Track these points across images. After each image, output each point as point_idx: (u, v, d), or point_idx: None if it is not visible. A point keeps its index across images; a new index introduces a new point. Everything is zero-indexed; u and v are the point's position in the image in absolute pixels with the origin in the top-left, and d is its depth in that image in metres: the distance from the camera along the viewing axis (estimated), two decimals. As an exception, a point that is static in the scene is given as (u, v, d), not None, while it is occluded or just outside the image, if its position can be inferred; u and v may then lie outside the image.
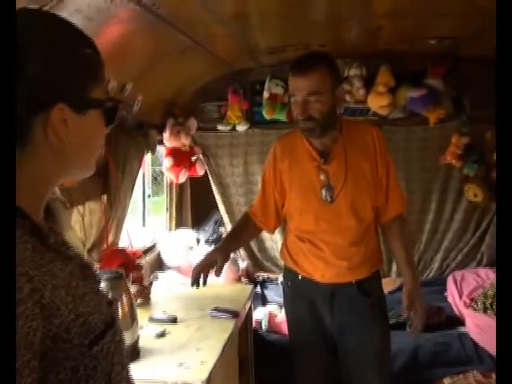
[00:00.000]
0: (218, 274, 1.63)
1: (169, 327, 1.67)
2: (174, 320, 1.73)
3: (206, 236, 3.11)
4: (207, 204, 3.17)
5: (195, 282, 1.61)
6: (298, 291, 1.74)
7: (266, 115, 2.94)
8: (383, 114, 2.89)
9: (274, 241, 3.11)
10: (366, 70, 2.82)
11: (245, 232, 1.85)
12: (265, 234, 3.09)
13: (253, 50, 2.62)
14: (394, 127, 2.91)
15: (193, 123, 2.91)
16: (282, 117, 2.96)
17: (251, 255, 3.14)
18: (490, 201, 2.84)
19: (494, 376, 2.02)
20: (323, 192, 1.63)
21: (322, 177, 1.63)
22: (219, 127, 3.02)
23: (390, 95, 2.80)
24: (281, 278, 2.85)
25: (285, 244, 1.80)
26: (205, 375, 1.33)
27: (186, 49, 2.17)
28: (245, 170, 3.09)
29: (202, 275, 1.62)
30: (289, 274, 1.78)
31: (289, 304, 1.82)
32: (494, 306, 2.27)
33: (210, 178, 3.08)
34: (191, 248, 2.93)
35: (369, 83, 2.83)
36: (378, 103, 2.85)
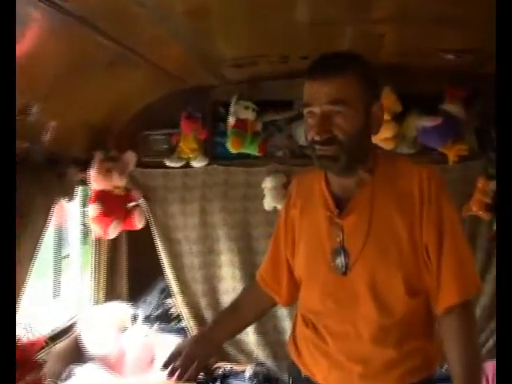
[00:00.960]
0: (193, 377, 1.54)
1: None
2: None
3: (148, 311, 2.79)
4: (150, 267, 2.85)
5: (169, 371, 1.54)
6: None
7: (232, 148, 2.65)
8: (388, 149, 2.61)
9: None
10: (364, 90, 2.58)
11: (250, 307, 1.69)
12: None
13: (213, 62, 2.39)
14: None
15: (130, 158, 2.62)
16: (252, 150, 2.67)
17: None
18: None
19: None
20: (335, 257, 1.43)
21: (336, 235, 1.43)
22: (168, 163, 2.72)
23: (396, 124, 2.58)
24: (250, 371, 2.63)
25: (293, 327, 1.62)
26: None
27: (116, 58, 1.99)
28: (202, 220, 2.77)
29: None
30: (292, 368, 1.60)
31: None
32: None
33: (154, 231, 2.76)
34: (125, 329, 2.64)
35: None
36: (380, 134, 2.54)
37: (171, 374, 1.53)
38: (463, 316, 1.39)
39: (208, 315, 2.80)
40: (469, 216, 2.64)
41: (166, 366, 1.55)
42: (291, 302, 1.64)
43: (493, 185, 2.56)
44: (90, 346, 2.53)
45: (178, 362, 1.54)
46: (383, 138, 2.58)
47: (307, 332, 1.51)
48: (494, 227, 2.58)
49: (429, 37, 2.11)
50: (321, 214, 1.46)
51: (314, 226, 1.50)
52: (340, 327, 1.44)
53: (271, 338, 2.79)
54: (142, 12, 1.59)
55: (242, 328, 1.80)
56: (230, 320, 1.67)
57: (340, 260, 1.42)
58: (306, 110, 1.38)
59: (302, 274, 1.54)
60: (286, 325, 2.73)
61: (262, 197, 2.72)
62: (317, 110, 1.33)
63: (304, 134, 2.66)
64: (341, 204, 1.44)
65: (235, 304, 1.72)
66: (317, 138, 1.34)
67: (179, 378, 1.52)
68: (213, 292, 2.81)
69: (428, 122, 2.58)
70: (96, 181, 2.50)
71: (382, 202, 1.41)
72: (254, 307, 1.69)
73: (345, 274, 1.41)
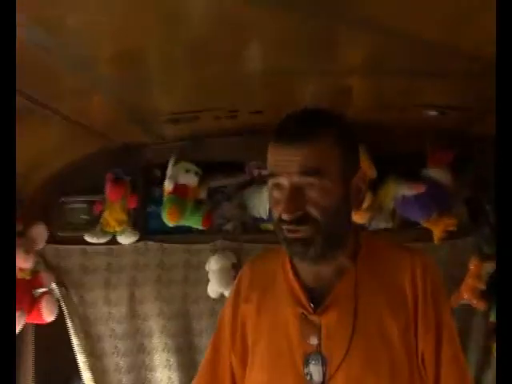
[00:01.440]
0: None
1: None
2: None
3: None
4: (63, 370, 2.57)
5: None
6: None
7: (168, 220, 2.41)
8: (360, 223, 2.48)
9: None
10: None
11: None
12: None
13: (146, 116, 2.22)
14: (377, 244, 2.46)
15: (40, 232, 2.38)
16: (194, 223, 2.45)
17: None
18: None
19: None
20: (309, 367, 1.30)
21: (310, 337, 1.30)
22: (89, 238, 2.48)
23: (371, 193, 2.43)
24: None
25: None
26: None
27: (23, 113, 1.77)
28: (131, 311, 2.52)
29: None
30: None
31: None
32: None
33: (70, 324, 2.49)
34: None
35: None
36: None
37: None
38: None
39: None
40: (459, 305, 2.48)
41: None
42: None
43: (488, 267, 2.42)
44: None
45: None
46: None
47: None
48: (491, 319, 2.44)
49: (407, 89, 2.00)
50: (287, 310, 1.33)
51: (277, 327, 1.36)
52: None
53: None
54: (54, 59, 1.44)
55: None
56: None
57: (316, 369, 1.29)
58: (270, 181, 1.26)
59: (263, 382, 1.37)
60: None
61: (206, 281, 2.49)
62: (285, 181, 1.22)
63: (265, 209, 2.47)
64: (314, 297, 1.30)
65: None
66: (285, 217, 1.22)
67: None
68: None
69: (408, 191, 2.46)
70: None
71: (368, 297, 1.30)
72: None
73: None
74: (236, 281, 1.50)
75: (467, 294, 2.41)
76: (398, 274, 1.32)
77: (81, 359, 2.50)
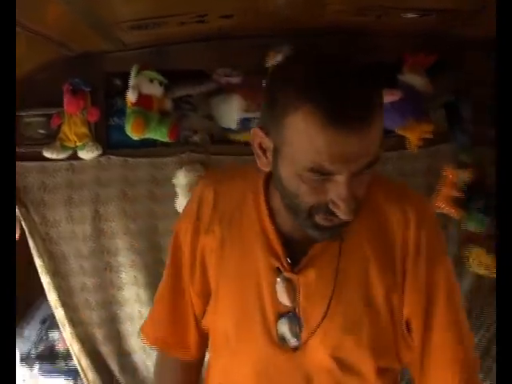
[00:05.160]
0: None
1: None
2: None
3: (26, 348, 2.37)
4: (27, 292, 2.36)
5: None
6: None
7: (132, 132, 2.13)
8: None
9: (147, 352, 2.37)
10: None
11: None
12: (131, 340, 2.40)
13: (106, 22, 1.91)
14: None
15: None
16: (160, 135, 2.16)
17: (108, 379, 2.40)
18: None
19: None
20: (282, 326, 1.12)
21: (285, 295, 1.10)
22: (47, 153, 2.18)
23: None
24: None
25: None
26: None
27: None
28: (96, 228, 2.24)
29: None
30: None
31: None
32: None
33: (31, 244, 2.21)
34: None
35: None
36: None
37: None
38: None
39: (106, 350, 2.32)
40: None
41: None
42: (199, 358, 1.30)
43: (465, 174, 2.24)
44: None
45: None
46: None
47: None
48: (465, 227, 2.29)
49: None
50: (259, 257, 1.10)
51: (245, 274, 1.14)
52: None
53: None
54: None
55: None
56: None
57: (289, 330, 1.12)
58: (315, 176, 0.91)
59: (225, 332, 1.19)
60: None
61: (174, 196, 2.22)
62: (341, 178, 0.91)
63: (234, 119, 2.21)
64: (293, 249, 1.08)
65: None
66: (341, 215, 0.94)
67: None
68: (112, 320, 2.33)
69: (384, 97, 2.11)
70: None
71: (353, 254, 1.10)
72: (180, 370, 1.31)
73: (295, 350, 1.12)
74: (195, 199, 1.20)
75: (442, 203, 2.22)
76: (388, 227, 1.11)
77: (45, 280, 2.24)
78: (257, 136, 0.98)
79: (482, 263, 2.30)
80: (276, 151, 0.93)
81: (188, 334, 1.26)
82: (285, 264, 1.08)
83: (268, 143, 0.94)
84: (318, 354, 1.12)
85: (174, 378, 1.33)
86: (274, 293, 1.10)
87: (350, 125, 0.87)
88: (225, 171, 1.40)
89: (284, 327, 1.11)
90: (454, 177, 2.21)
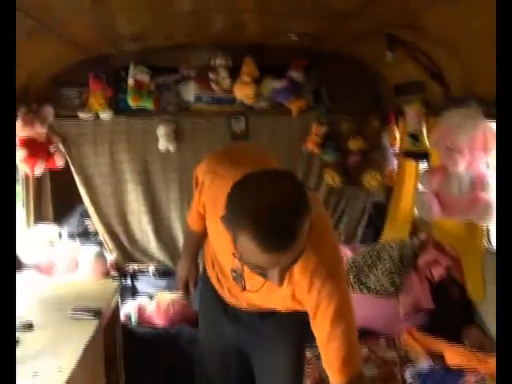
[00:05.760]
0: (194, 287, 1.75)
1: (22, 335, 1.63)
2: (28, 326, 1.70)
3: (71, 230, 3.09)
4: (70, 196, 3.12)
5: (187, 294, 1.76)
6: (208, 286, 1.64)
7: (132, 103, 2.96)
8: (249, 104, 3.09)
9: (144, 231, 3.21)
10: (231, 60, 2.98)
11: (195, 236, 1.68)
12: (135, 225, 3.20)
13: (114, 36, 2.62)
14: (259, 117, 3.15)
15: (49, 110, 2.85)
16: (148, 104, 3.00)
17: (120, 247, 3.18)
18: (345, 184, 3.24)
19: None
20: (234, 274, 1.39)
21: (237, 265, 1.32)
22: (80, 115, 2.97)
23: (255, 85, 3.00)
24: (152, 269, 3.06)
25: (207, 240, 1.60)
26: (62, 381, 1.35)
27: (32, 31, 2.08)
28: (111, 159, 3.09)
29: (189, 285, 1.74)
30: (205, 271, 1.68)
31: (201, 294, 1.76)
32: (357, 282, 2.52)
33: (72, 168, 3.04)
34: (52, 243, 2.90)
35: (235, 73, 3.00)
36: (243, 92, 3.05)
37: (187, 293, 1.77)
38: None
39: (119, 230, 3.18)
40: (306, 152, 3.20)
41: (182, 289, 1.77)
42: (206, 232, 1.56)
43: (323, 129, 3.11)
44: (25, 257, 2.76)
45: (181, 284, 1.76)
46: (245, 95, 3.04)
47: (215, 269, 1.54)
48: (324, 158, 3.17)
49: (280, 24, 2.41)
50: (228, 239, 1.13)
51: (220, 239, 1.32)
52: (235, 294, 1.49)
53: (168, 244, 3.22)
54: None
55: (199, 246, 1.76)
56: (188, 248, 1.79)
57: (238, 279, 1.37)
58: (255, 268, 1.10)
59: (212, 245, 1.48)
60: (179, 235, 3.18)
61: (157, 141, 3.05)
62: (274, 272, 1.09)
63: (192, 95, 2.94)
64: None
65: (186, 237, 1.87)
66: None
67: (189, 292, 1.77)
68: (121, 213, 3.16)
69: (278, 84, 3.04)
70: (22, 129, 2.69)
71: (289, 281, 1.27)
72: (197, 234, 1.67)
73: (243, 290, 1.38)
74: (200, 180, 1.43)
75: (311, 145, 3.14)
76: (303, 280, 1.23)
77: (81, 190, 3.06)
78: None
79: (332, 179, 3.17)
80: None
81: (200, 221, 1.54)
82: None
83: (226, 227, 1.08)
84: (254, 298, 1.41)
85: (192, 237, 1.71)
86: (233, 259, 1.18)
87: (276, 252, 1.00)
88: (222, 169, 1.35)
89: (236, 275, 1.37)
90: (317, 130, 3.11)
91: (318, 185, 3.25)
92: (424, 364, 2.05)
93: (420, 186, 2.49)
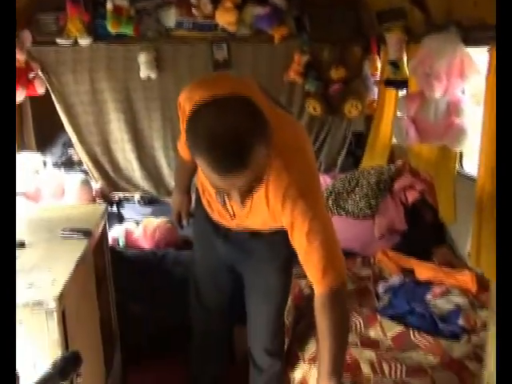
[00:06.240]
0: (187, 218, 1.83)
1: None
2: (20, 244, 1.74)
3: (54, 159, 3.10)
4: (53, 125, 3.11)
5: (180, 225, 1.87)
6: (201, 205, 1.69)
7: (111, 29, 2.90)
8: (231, 31, 3.05)
9: (128, 160, 3.24)
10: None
11: (187, 167, 1.71)
12: (118, 154, 3.22)
13: None
14: (241, 44, 3.11)
15: (26, 36, 2.79)
16: (128, 30, 2.95)
17: (105, 176, 3.22)
18: (327, 114, 3.27)
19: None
20: (218, 198, 1.46)
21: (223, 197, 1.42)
22: (58, 41, 2.91)
23: (237, 11, 2.96)
24: (137, 196, 3.13)
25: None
26: (57, 292, 1.42)
27: None
28: (91, 87, 3.07)
29: (182, 216, 1.83)
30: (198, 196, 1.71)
31: (195, 212, 1.80)
32: (336, 207, 2.60)
33: (53, 96, 3.01)
34: (37, 172, 2.91)
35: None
36: (225, 19, 3.00)
37: (180, 224, 1.88)
38: (334, 302, 1.28)
39: (103, 160, 3.21)
40: (288, 80, 3.21)
41: (176, 221, 1.87)
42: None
43: (305, 58, 3.11)
44: (12, 185, 2.81)
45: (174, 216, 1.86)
46: (228, 21, 3.00)
47: (205, 189, 1.58)
48: (307, 88, 3.17)
49: None
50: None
51: None
52: (225, 217, 1.56)
53: (152, 173, 3.28)
54: None
55: (190, 177, 1.80)
56: (180, 178, 1.85)
57: (227, 210, 1.48)
58: (218, 189, 1.18)
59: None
60: (163, 164, 3.23)
61: (138, 68, 3.03)
62: (233, 193, 1.15)
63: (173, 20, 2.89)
64: None
65: (178, 168, 1.91)
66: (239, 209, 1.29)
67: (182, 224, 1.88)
68: (104, 142, 3.18)
69: (260, 11, 3.00)
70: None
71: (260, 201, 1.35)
72: (188, 163, 1.67)
73: (233, 218, 1.48)
74: (182, 107, 1.42)
75: (293, 74, 3.14)
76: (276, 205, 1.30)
77: (63, 118, 3.06)
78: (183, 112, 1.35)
79: (314, 109, 3.19)
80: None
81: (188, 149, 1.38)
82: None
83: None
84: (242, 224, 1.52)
85: (183, 167, 1.74)
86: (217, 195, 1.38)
87: (231, 174, 1.06)
88: (203, 86, 1.37)
89: (219, 198, 1.44)
90: (299, 59, 3.10)
91: (300, 114, 3.28)
92: (395, 279, 2.20)
93: (398, 113, 2.52)
